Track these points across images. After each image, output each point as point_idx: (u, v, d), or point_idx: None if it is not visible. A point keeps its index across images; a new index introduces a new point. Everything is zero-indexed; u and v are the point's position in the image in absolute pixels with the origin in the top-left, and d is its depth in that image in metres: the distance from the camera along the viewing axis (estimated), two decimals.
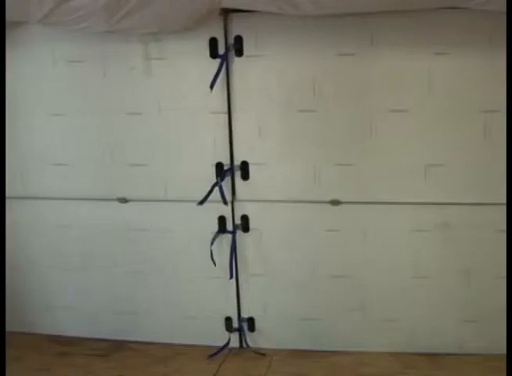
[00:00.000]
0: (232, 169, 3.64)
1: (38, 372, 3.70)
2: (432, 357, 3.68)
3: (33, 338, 4.11)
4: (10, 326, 4.09)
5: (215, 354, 3.83)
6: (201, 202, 3.62)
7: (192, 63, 3.56)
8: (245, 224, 3.70)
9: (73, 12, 3.42)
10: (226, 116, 3.58)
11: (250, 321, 3.87)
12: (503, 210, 3.22)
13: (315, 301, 3.78)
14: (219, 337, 3.90)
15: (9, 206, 3.96)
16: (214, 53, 3.49)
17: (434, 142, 3.42)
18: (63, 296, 4.08)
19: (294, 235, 3.70)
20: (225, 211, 3.69)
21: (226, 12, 3.42)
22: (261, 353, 3.84)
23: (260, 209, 3.68)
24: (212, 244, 3.69)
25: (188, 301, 3.90)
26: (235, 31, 3.46)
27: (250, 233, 3.72)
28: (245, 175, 3.63)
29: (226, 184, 3.63)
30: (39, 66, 3.77)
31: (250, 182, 3.64)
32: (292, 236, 3.70)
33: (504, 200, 3.06)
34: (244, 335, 3.90)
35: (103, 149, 3.78)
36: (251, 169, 3.62)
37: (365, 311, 3.75)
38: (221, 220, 3.71)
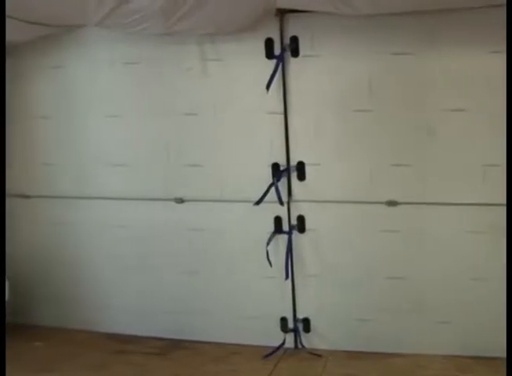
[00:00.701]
0: (288, 170, 3.64)
1: (97, 369, 3.75)
2: (487, 361, 3.61)
3: (91, 336, 4.17)
4: (69, 323, 4.25)
5: (270, 354, 3.83)
6: (257, 202, 3.63)
7: (248, 63, 3.58)
8: (301, 224, 3.70)
9: (131, 15, 3.47)
10: (282, 116, 3.58)
11: (306, 322, 3.86)
12: None
13: (371, 302, 3.75)
14: (274, 337, 3.89)
15: (67, 206, 4.07)
16: (269, 54, 3.51)
17: (491, 142, 3.36)
18: (121, 295, 4.14)
19: (350, 236, 3.68)
20: (281, 211, 3.70)
21: (282, 13, 3.43)
22: (316, 354, 3.83)
23: (316, 210, 3.68)
24: (268, 244, 3.69)
25: (243, 302, 3.91)
26: (291, 32, 3.47)
27: (306, 233, 3.71)
28: (301, 176, 3.63)
29: (282, 184, 3.64)
30: (96, 67, 3.85)
31: (307, 182, 3.64)
32: (348, 237, 3.69)
33: None
34: (299, 336, 3.89)
35: (160, 150, 3.83)
36: (307, 169, 3.62)
37: (421, 313, 3.70)
38: (278, 220, 3.72)
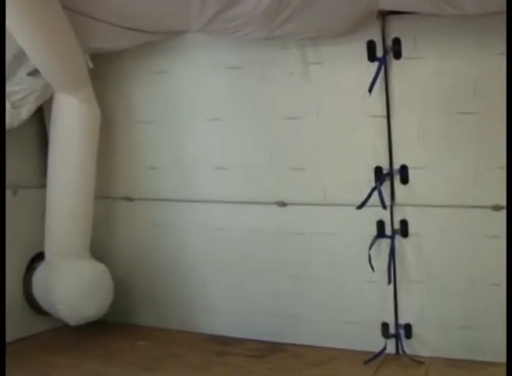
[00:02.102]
0: (391, 173, 3.59)
1: (197, 370, 3.78)
2: None
3: (192, 337, 4.23)
4: (170, 324, 4.33)
5: (371, 360, 3.77)
6: (360, 206, 3.60)
7: (349, 66, 3.56)
8: (404, 229, 3.64)
9: (232, 21, 3.52)
10: (385, 119, 3.54)
11: (407, 327, 3.79)
12: None
13: (475, 309, 3.65)
14: (375, 342, 3.83)
15: (169, 209, 4.15)
16: (372, 56, 3.48)
17: None
18: (222, 297, 4.18)
19: (454, 240, 3.59)
20: (384, 215, 3.66)
21: (384, 15, 3.40)
22: (417, 361, 3.74)
23: (419, 214, 3.61)
24: (370, 248, 3.65)
25: (344, 306, 3.88)
26: (393, 33, 3.43)
27: (409, 237, 3.65)
28: (404, 179, 3.58)
29: (385, 188, 3.60)
30: (199, 72, 3.91)
31: (410, 186, 3.58)
32: (452, 242, 3.60)
33: None
34: (401, 342, 3.82)
35: (262, 153, 3.86)
36: (411, 173, 3.56)
37: None
38: (380, 224, 3.68)
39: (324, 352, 3.92)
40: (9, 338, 4.04)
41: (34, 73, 3.90)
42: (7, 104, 3.84)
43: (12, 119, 3.90)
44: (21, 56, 3.76)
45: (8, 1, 3.29)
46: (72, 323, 4.08)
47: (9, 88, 3.85)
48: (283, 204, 3.86)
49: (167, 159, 4.11)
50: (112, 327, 4.34)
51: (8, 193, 4.16)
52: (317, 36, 3.48)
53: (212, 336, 4.20)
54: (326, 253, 3.83)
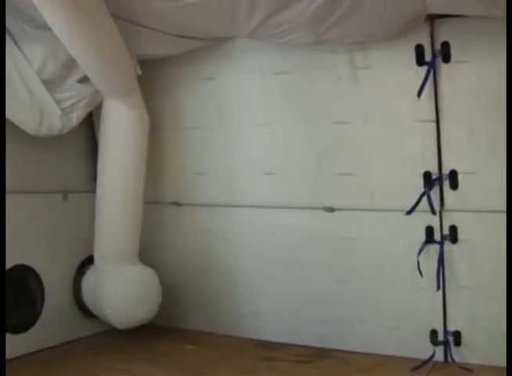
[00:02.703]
0: (440, 178, 3.56)
1: (244, 375, 3.78)
2: None
3: (239, 342, 4.25)
4: (218, 328, 4.35)
5: (419, 367, 3.71)
6: (409, 212, 3.57)
7: (397, 70, 3.55)
8: (453, 234, 3.60)
9: (280, 26, 3.52)
10: (434, 124, 3.51)
11: (457, 334, 3.73)
12: None
13: None
14: (423, 349, 3.78)
15: (217, 214, 4.18)
16: (420, 60, 3.45)
17: None
18: (269, 302, 4.18)
19: (504, 247, 3.53)
20: (433, 221, 3.62)
21: (432, 18, 3.37)
22: (466, 368, 3.67)
23: (469, 219, 3.57)
24: (419, 254, 3.61)
25: (392, 312, 3.84)
26: (441, 37, 3.40)
27: (458, 243, 3.61)
28: (454, 184, 3.54)
29: (434, 193, 3.57)
30: (246, 78, 3.94)
31: (460, 191, 3.54)
32: (502, 248, 3.53)
33: None
34: (450, 349, 3.76)
35: (309, 158, 3.85)
36: (460, 178, 3.52)
37: None
38: (429, 230, 3.64)
39: (371, 358, 3.89)
40: (58, 340, 4.15)
41: (84, 80, 3.97)
42: (58, 110, 3.91)
43: (62, 125, 3.97)
44: (71, 63, 3.83)
45: (57, 10, 3.35)
46: (120, 327, 4.14)
47: (60, 94, 3.93)
48: (330, 210, 3.85)
49: (215, 164, 4.14)
50: (160, 330, 4.38)
51: (58, 197, 4.26)
52: (364, 40, 3.48)
53: (259, 341, 4.21)
54: (374, 258, 3.81)
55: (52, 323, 4.17)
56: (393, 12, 3.31)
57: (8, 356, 3.78)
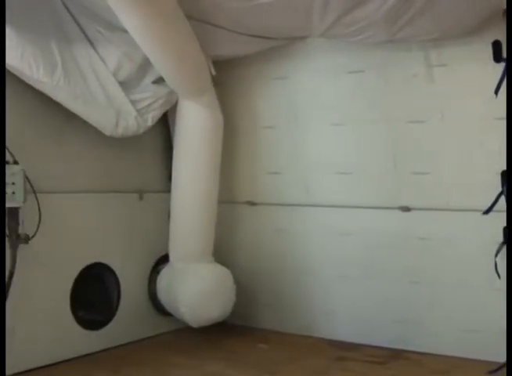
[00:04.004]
0: None
1: (318, 374, 3.77)
2: None
3: (312, 341, 4.24)
4: (290, 328, 4.36)
5: (496, 370, 3.60)
6: (486, 211, 3.49)
7: (473, 67, 3.49)
8: None
9: (353, 25, 3.51)
10: None
11: None
12: None
13: None
14: (500, 352, 3.66)
15: (292, 213, 4.20)
16: (497, 57, 3.37)
17: None
18: (343, 302, 4.17)
19: None
20: None
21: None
22: None
23: None
24: (497, 255, 3.52)
25: (468, 314, 3.77)
26: None
27: None
28: None
29: None
30: (320, 77, 3.94)
31: None
32: None
33: None
34: None
35: (385, 157, 3.83)
36: None
37: None
38: (507, 231, 3.54)
39: (446, 360, 3.82)
40: (133, 337, 4.22)
41: (159, 81, 4.04)
42: (133, 111, 3.98)
43: (138, 126, 4.04)
44: (146, 64, 3.91)
45: (132, 11, 3.42)
46: (195, 325, 4.19)
47: (135, 95, 4.00)
48: (406, 209, 3.81)
49: (290, 164, 4.16)
50: (233, 329, 4.41)
51: (134, 197, 4.33)
52: (440, 37, 3.43)
53: (332, 341, 4.19)
54: (450, 259, 3.75)
55: (128, 321, 4.25)
56: (469, 7, 3.26)
57: (84, 351, 3.94)
